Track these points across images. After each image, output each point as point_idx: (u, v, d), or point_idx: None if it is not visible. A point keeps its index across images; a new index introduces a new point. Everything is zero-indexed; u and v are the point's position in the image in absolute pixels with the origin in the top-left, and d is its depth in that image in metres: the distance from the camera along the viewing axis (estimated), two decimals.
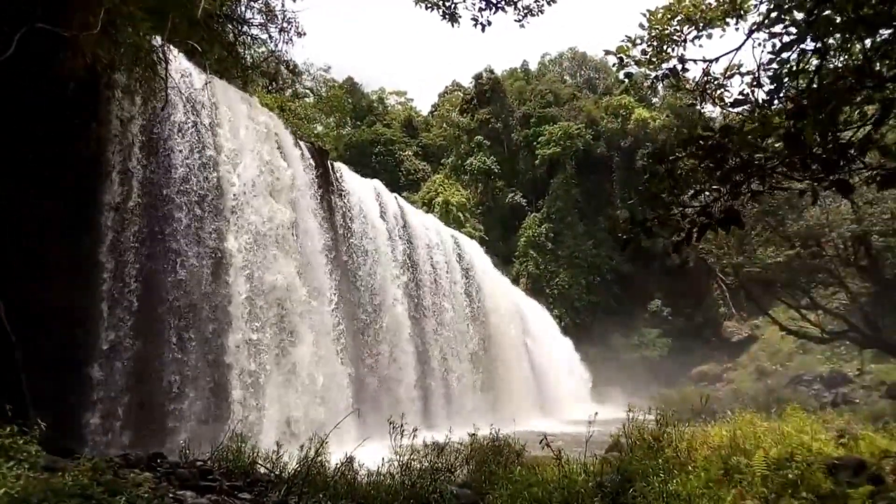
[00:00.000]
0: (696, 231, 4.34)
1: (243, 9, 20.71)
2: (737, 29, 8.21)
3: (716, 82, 8.15)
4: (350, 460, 7.44)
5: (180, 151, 14.27)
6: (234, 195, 15.30)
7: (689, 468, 6.96)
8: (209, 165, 14.86)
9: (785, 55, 4.98)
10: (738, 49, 7.23)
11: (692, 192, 4.61)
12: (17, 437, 5.77)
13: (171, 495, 6.02)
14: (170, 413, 12.98)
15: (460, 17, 9.32)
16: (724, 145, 4.16)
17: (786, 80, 5.03)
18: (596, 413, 8.95)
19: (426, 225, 29.31)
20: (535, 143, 52.53)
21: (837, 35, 4.86)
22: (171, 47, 12.90)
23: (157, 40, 12.26)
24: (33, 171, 11.29)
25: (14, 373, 9.64)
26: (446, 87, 65.51)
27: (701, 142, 4.20)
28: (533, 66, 67.78)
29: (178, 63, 14.33)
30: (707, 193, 4.51)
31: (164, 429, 12.86)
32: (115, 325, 12.49)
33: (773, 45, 6.26)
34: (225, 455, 8.20)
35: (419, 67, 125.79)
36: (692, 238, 4.51)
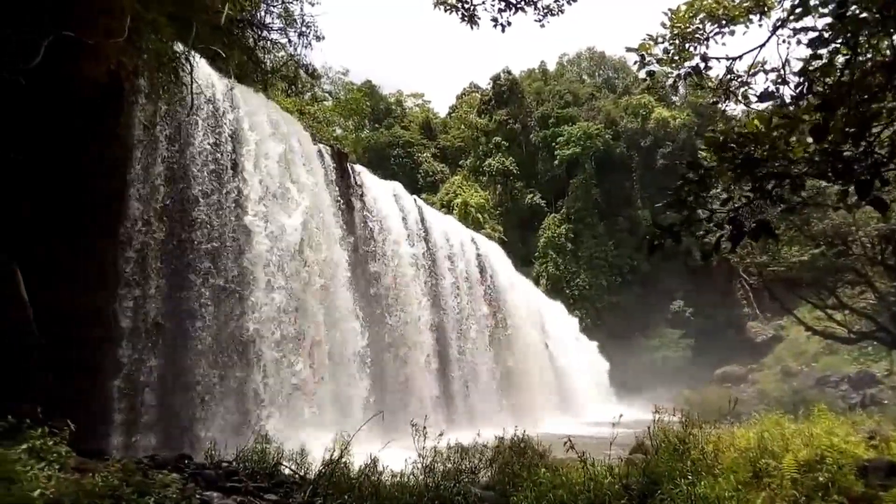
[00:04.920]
0: (728, 240, 4.27)
1: (263, 14, 20.91)
2: (760, 25, 8.09)
3: (739, 80, 8.05)
4: (374, 462, 7.45)
5: (203, 157, 14.42)
6: (256, 199, 15.43)
7: (717, 471, 6.86)
8: (231, 170, 15.00)
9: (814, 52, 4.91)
10: (762, 46, 7.13)
11: (722, 199, 4.54)
12: (47, 438, 5.86)
13: (198, 496, 6.07)
14: (194, 414, 13.11)
15: (479, 18, 9.31)
16: (752, 156, 4.10)
17: (816, 75, 4.95)
18: (620, 415, 8.86)
19: (445, 226, 29.31)
20: (553, 144, 52.37)
21: (865, 31, 4.77)
22: (194, 53, 13.03)
23: (180, 46, 12.41)
24: (57, 177, 11.46)
25: (43, 375, 9.82)
26: (464, 88, 65.53)
27: (733, 144, 4.14)
28: (551, 67, 67.60)
29: (200, 69, 14.49)
30: (735, 200, 4.44)
31: (189, 430, 12.99)
32: (138, 328, 12.64)
33: (799, 42, 6.19)
34: (249, 456, 8.25)
35: (437, 69, 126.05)
36: (720, 247, 4.45)
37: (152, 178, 13.29)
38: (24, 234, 10.76)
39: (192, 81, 12.57)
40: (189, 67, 12.55)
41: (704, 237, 4.64)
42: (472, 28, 9.47)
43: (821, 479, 6.66)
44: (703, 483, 6.07)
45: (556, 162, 51.88)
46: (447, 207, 45.66)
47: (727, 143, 4.23)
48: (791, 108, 4.92)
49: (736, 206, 4.34)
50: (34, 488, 4.61)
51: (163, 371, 12.91)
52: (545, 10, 9.26)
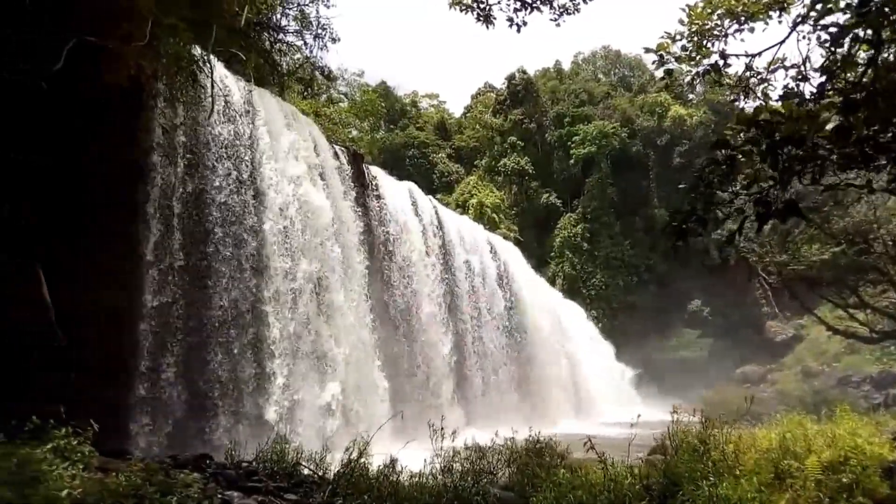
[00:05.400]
0: (755, 220, 4.20)
1: (279, 17, 21.08)
2: (780, 22, 8.00)
3: (758, 77, 7.97)
4: (393, 462, 7.46)
5: (221, 157, 14.54)
6: (273, 199, 15.53)
7: (738, 472, 6.79)
8: (249, 170, 15.12)
9: (834, 50, 4.85)
10: (781, 42, 7.06)
11: (746, 181, 4.47)
12: (71, 438, 5.94)
13: (219, 496, 6.13)
14: (213, 414, 13.22)
15: (495, 18, 9.31)
16: (782, 135, 4.04)
17: (837, 71, 4.89)
18: (639, 415, 8.81)
19: (461, 227, 29.31)
20: (569, 143, 52.17)
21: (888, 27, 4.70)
22: (213, 57, 13.16)
23: (198, 50, 12.53)
24: (79, 178, 11.61)
25: (65, 374, 9.96)
26: (478, 88, 65.53)
27: (761, 122, 4.08)
28: (566, 66, 67.43)
29: (218, 72, 14.62)
30: (762, 183, 4.37)
31: (209, 429, 13.10)
32: (159, 326, 12.77)
33: (819, 38, 6.11)
34: (269, 456, 8.30)
35: (451, 70, 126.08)
36: (742, 230, 4.39)
37: (171, 180, 13.41)
38: (45, 237, 10.92)
39: (212, 85, 12.68)
40: (210, 70, 12.66)
41: (726, 222, 4.56)
42: (487, 28, 9.46)
43: (845, 480, 6.58)
44: (724, 484, 6.01)
45: (572, 161, 51.68)
46: (462, 208, 45.66)
47: (758, 120, 4.17)
48: (812, 105, 4.86)
49: (763, 186, 4.26)
50: (60, 487, 4.68)
51: (183, 371, 13.03)
52: (561, 9, 9.23)
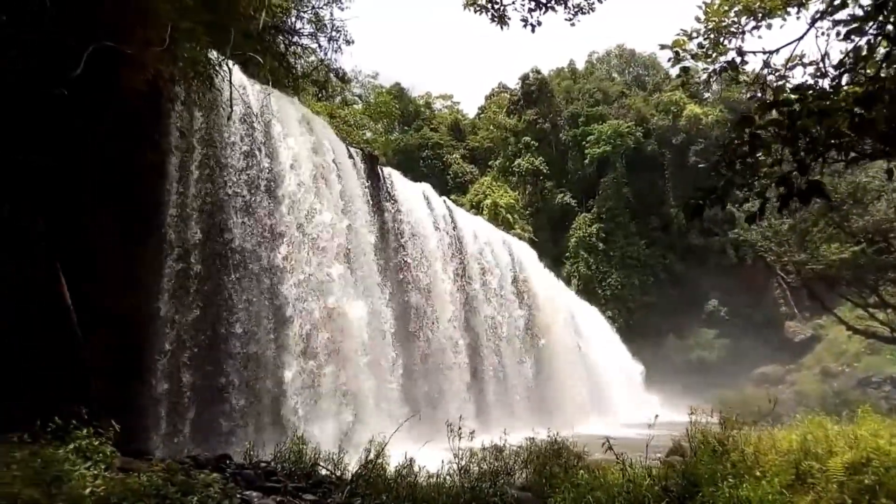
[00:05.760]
0: (777, 201, 4.15)
1: (294, 20, 21.21)
2: (798, 18, 7.94)
3: (776, 74, 7.88)
4: (410, 462, 7.48)
5: (237, 160, 14.65)
6: (289, 202, 15.62)
7: (758, 473, 6.73)
8: (265, 173, 15.22)
9: (852, 42, 4.80)
10: (800, 39, 6.98)
11: (769, 163, 4.42)
12: (93, 438, 6.03)
13: (238, 496, 6.18)
14: (232, 415, 13.31)
15: (509, 18, 9.29)
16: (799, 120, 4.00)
17: (855, 66, 4.83)
18: (656, 416, 8.76)
19: (475, 227, 29.28)
20: (583, 143, 52.02)
21: None
22: (227, 60, 13.25)
23: (214, 54, 12.63)
24: (97, 182, 11.73)
25: (86, 377, 10.09)
26: (492, 89, 65.47)
27: (784, 108, 4.04)
28: (580, 65, 67.25)
29: (234, 75, 14.71)
30: (785, 164, 4.31)
31: (226, 430, 13.18)
32: (175, 329, 12.88)
33: (838, 34, 6.04)
34: (287, 457, 8.35)
35: (465, 71, 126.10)
36: (764, 213, 4.33)
37: (189, 183, 13.52)
38: (67, 241, 11.06)
39: (230, 88, 12.77)
40: (228, 73, 12.76)
41: (746, 203, 4.49)
42: (502, 28, 9.47)
43: (867, 481, 6.49)
44: (744, 485, 5.96)
45: (587, 161, 51.51)
46: (476, 208, 45.64)
47: (779, 103, 4.13)
48: (830, 98, 4.81)
49: (784, 169, 4.21)
50: (84, 487, 4.75)
51: (202, 372, 13.13)
52: (575, 9, 9.21)
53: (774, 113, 4.38)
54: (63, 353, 10.23)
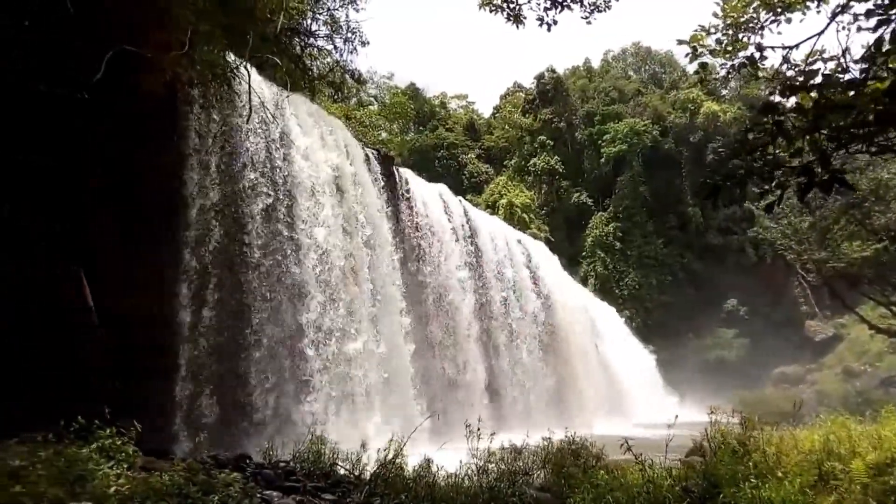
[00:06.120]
0: (797, 192, 4.08)
1: (309, 22, 21.31)
2: (818, 12, 7.85)
3: (796, 69, 7.77)
4: (428, 462, 7.49)
5: (255, 163, 14.75)
6: (307, 204, 15.69)
7: (780, 474, 6.65)
8: (283, 175, 15.31)
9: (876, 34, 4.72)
10: (820, 33, 6.90)
11: (790, 152, 4.35)
12: (115, 438, 6.10)
13: (258, 495, 6.22)
14: (251, 414, 13.41)
15: (525, 18, 9.27)
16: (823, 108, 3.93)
17: (875, 58, 4.75)
18: (676, 416, 8.69)
19: (491, 227, 29.26)
20: (600, 142, 51.79)
21: None
22: (246, 63, 13.35)
23: (231, 56, 12.73)
24: (116, 186, 11.88)
25: (108, 378, 10.23)
26: (507, 88, 65.35)
27: (811, 91, 3.97)
28: (595, 64, 66.93)
29: (251, 78, 14.82)
30: (806, 153, 4.24)
31: (245, 430, 13.28)
32: (196, 329, 12.99)
33: (859, 28, 5.94)
34: (306, 456, 8.39)
35: (480, 70, 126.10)
36: (782, 201, 4.27)
37: (207, 185, 13.63)
38: (88, 243, 11.21)
39: (249, 91, 12.87)
40: (247, 76, 12.85)
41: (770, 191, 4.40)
42: (517, 28, 9.45)
43: (892, 482, 6.40)
44: (766, 486, 5.90)
45: (603, 160, 51.27)
46: (492, 208, 45.59)
47: (804, 87, 4.07)
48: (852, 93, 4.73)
49: (806, 159, 4.14)
50: (107, 485, 4.81)
51: (221, 371, 13.24)
52: (592, 7, 9.17)
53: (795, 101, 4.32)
54: (86, 354, 10.39)
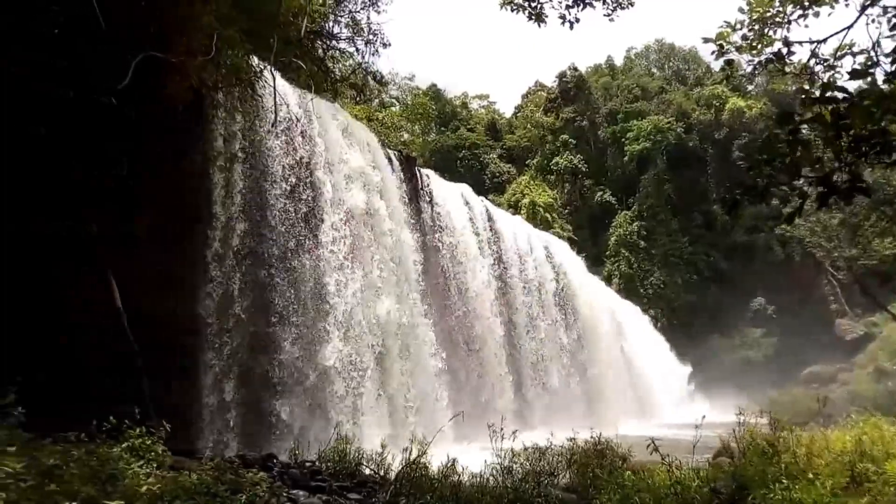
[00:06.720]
0: (815, 201, 4.02)
1: (331, 25, 21.48)
2: (847, 6, 7.68)
3: (825, 64, 7.63)
4: (453, 462, 7.49)
5: (279, 165, 14.88)
6: (331, 205, 15.79)
7: (811, 475, 6.54)
8: (307, 177, 15.43)
9: None
10: (849, 27, 6.77)
11: (810, 161, 4.29)
12: (145, 438, 6.22)
13: (285, 494, 6.29)
14: (278, 414, 13.53)
15: (546, 16, 9.21)
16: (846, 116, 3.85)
17: None
18: (703, 416, 8.59)
19: (514, 227, 29.17)
20: (623, 140, 51.33)
21: None
22: (270, 67, 13.48)
23: (255, 60, 12.86)
24: (143, 189, 12.06)
25: (137, 378, 10.40)
26: (529, 87, 65.05)
27: (829, 105, 3.91)
28: (618, 61, 66.34)
29: (275, 81, 14.95)
30: (826, 163, 4.17)
31: (272, 429, 13.41)
32: (222, 331, 13.14)
33: (890, 21, 5.82)
34: (331, 456, 8.45)
35: (501, 70, 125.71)
36: (802, 211, 4.21)
37: (233, 187, 13.78)
38: (115, 246, 11.41)
39: (275, 94, 12.99)
40: (272, 80, 12.98)
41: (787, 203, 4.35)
42: (539, 26, 9.38)
43: None
44: (797, 487, 5.80)
45: (626, 158, 50.82)
46: (514, 208, 45.44)
47: (821, 97, 3.99)
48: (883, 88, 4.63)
49: (827, 168, 4.07)
50: (138, 485, 4.90)
51: (247, 371, 13.38)
52: (614, 4, 9.08)
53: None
54: (116, 355, 10.57)
